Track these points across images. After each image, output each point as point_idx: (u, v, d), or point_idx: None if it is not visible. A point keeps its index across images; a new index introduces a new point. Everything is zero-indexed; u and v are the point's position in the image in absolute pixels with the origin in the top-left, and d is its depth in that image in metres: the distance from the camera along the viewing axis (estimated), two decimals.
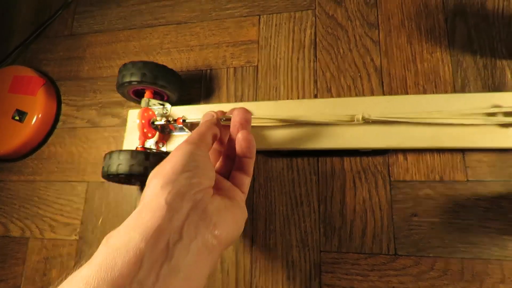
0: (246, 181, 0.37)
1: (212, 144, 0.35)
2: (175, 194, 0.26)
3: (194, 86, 0.57)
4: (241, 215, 0.32)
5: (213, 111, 0.41)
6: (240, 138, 0.36)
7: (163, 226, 0.24)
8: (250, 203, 0.48)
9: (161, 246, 0.24)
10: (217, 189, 0.33)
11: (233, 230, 0.30)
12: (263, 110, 0.48)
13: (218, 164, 0.39)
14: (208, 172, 0.30)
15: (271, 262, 0.46)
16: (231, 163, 0.38)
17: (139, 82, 0.47)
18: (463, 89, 0.47)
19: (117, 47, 0.64)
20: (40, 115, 0.59)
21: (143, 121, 0.48)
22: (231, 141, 0.37)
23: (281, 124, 0.47)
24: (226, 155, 0.39)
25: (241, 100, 0.54)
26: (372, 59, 0.51)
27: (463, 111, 0.43)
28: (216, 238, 0.27)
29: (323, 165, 0.48)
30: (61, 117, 0.62)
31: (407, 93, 0.48)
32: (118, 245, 0.23)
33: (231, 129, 0.37)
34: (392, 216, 0.44)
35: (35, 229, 0.56)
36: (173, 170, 0.28)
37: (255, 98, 0.53)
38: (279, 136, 0.47)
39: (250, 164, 0.37)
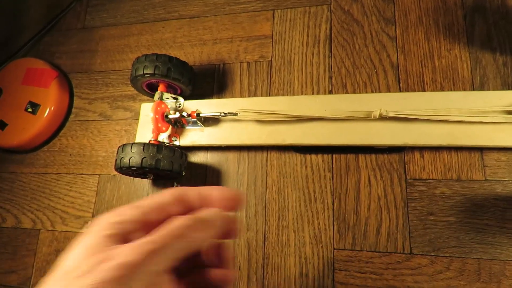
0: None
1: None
2: None
3: (207, 81, 0.56)
4: None
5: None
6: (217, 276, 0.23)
7: None
8: (263, 199, 0.48)
9: None
10: None
11: None
12: (277, 105, 0.48)
13: None
14: None
15: (283, 259, 0.45)
16: None
17: (152, 75, 0.47)
18: (481, 87, 0.46)
19: (129, 40, 0.64)
20: (52, 108, 0.59)
21: (157, 116, 0.47)
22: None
23: (295, 119, 0.46)
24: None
25: (255, 95, 0.53)
26: (388, 55, 0.50)
27: (482, 108, 0.42)
28: None
29: (337, 161, 0.47)
30: (73, 110, 0.62)
31: (424, 90, 0.48)
32: None
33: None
34: (408, 215, 0.43)
35: (47, 221, 0.56)
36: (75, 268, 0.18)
37: (269, 93, 0.53)
38: (293, 132, 0.46)
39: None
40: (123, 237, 0.19)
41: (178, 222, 0.19)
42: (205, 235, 0.20)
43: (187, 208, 0.21)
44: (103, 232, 0.19)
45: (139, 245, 0.18)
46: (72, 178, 0.57)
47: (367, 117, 0.43)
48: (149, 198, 0.21)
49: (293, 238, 0.46)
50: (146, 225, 0.20)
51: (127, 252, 0.18)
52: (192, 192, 0.22)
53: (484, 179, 0.43)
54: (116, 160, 0.44)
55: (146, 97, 0.58)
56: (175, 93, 0.52)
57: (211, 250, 0.23)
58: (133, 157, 0.42)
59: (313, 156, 0.48)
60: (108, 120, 0.59)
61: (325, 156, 0.48)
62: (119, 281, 0.17)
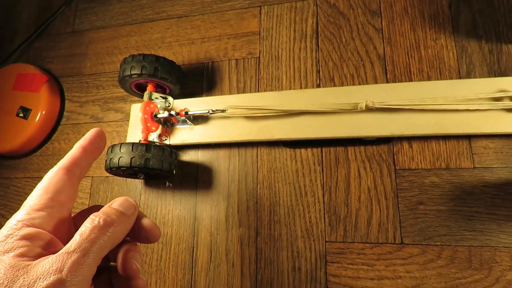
0: None
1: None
2: None
3: (196, 79, 0.57)
4: None
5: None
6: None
7: None
8: (254, 194, 0.48)
9: None
10: None
11: None
12: (266, 101, 0.48)
13: None
14: None
15: (276, 253, 0.45)
16: None
17: (139, 75, 0.47)
18: (468, 75, 0.46)
19: (118, 42, 0.64)
20: (44, 112, 0.59)
21: (145, 116, 0.48)
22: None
23: (283, 114, 0.46)
24: None
25: (244, 91, 0.53)
26: (375, 47, 0.50)
27: (468, 96, 0.42)
28: None
29: (327, 155, 0.48)
30: (65, 114, 0.62)
31: (411, 81, 0.48)
32: None
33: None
34: (398, 205, 0.44)
35: None
36: None
37: (257, 89, 0.53)
38: (282, 127, 0.47)
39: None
40: (34, 251, 0.19)
41: (92, 224, 0.20)
42: (123, 228, 0.21)
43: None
44: (12, 253, 0.18)
45: (60, 258, 0.18)
46: None
47: (354, 109, 0.44)
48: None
49: (285, 232, 0.46)
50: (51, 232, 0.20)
51: (54, 268, 0.18)
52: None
53: (472, 166, 0.43)
54: (106, 161, 0.44)
55: (136, 98, 0.58)
56: (164, 92, 0.52)
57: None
58: (122, 157, 0.42)
59: (303, 150, 0.49)
60: (99, 122, 0.59)
61: (314, 150, 0.48)
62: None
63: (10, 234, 0.19)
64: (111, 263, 0.25)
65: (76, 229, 0.21)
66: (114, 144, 0.44)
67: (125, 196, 0.23)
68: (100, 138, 0.24)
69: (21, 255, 0.18)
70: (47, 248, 0.20)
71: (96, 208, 0.23)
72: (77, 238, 0.19)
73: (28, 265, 0.18)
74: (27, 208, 0.20)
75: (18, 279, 0.17)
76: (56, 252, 0.19)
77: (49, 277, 0.18)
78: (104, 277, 0.24)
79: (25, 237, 0.19)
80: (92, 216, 0.20)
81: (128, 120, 0.57)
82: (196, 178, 0.51)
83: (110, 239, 0.20)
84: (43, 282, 0.17)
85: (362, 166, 0.46)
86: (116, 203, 0.22)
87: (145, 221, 0.23)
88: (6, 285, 0.17)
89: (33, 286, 0.17)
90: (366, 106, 0.42)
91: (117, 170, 0.43)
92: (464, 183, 0.43)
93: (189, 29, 0.60)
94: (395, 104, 0.42)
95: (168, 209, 0.51)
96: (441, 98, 0.42)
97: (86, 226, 0.20)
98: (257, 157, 0.50)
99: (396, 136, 0.45)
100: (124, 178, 0.54)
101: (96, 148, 0.24)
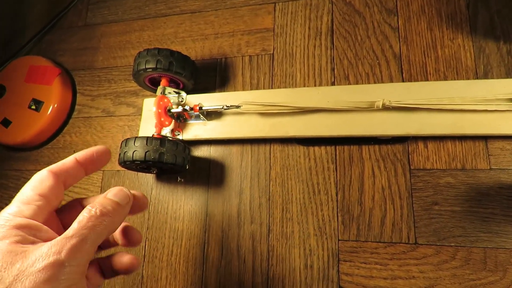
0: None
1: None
2: None
3: (209, 75, 0.56)
4: None
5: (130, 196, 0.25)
6: (127, 261, 0.26)
7: None
8: (267, 191, 0.48)
9: None
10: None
11: None
12: (280, 97, 0.48)
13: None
14: None
15: (288, 251, 0.45)
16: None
17: (154, 69, 0.47)
18: (485, 76, 0.46)
19: (131, 37, 0.64)
20: (56, 105, 0.59)
21: (159, 110, 0.47)
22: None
23: (298, 111, 0.46)
24: None
25: (257, 88, 0.53)
26: (391, 46, 0.50)
27: (486, 97, 0.41)
28: None
29: (340, 153, 0.47)
30: (76, 107, 0.62)
31: (427, 80, 0.47)
32: None
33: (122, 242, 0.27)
34: (412, 205, 0.43)
35: None
36: None
37: (271, 86, 0.53)
38: (296, 124, 0.46)
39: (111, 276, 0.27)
40: (29, 239, 0.19)
41: (89, 214, 0.21)
42: (118, 218, 0.22)
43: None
44: (7, 241, 0.19)
45: (59, 242, 0.19)
46: None
47: (370, 108, 0.43)
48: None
49: (298, 230, 0.46)
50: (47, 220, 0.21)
51: (53, 251, 0.18)
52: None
53: (489, 168, 0.43)
54: (119, 154, 0.44)
55: (148, 93, 0.58)
56: (177, 87, 0.52)
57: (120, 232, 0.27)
58: (137, 151, 0.42)
59: (316, 148, 0.48)
60: (111, 116, 0.59)
61: (328, 147, 0.48)
62: (50, 280, 0.18)
63: (3, 225, 0.20)
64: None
65: (63, 225, 0.23)
66: (128, 138, 0.44)
67: (120, 186, 0.24)
68: (98, 155, 0.25)
69: (17, 242, 0.19)
70: (41, 237, 0.20)
71: (77, 201, 0.26)
72: (75, 225, 0.20)
73: (26, 250, 0.18)
74: (16, 202, 0.21)
75: (17, 262, 0.18)
76: (50, 241, 0.19)
77: (48, 258, 0.18)
78: (94, 264, 0.25)
79: (18, 227, 0.20)
80: (89, 207, 0.21)
81: (140, 115, 0.57)
82: (208, 174, 0.51)
83: (106, 227, 0.21)
84: (42, 262, 0.18)
85: (376, 165, 0.46)
86: (111, 193, 0.23)
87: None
88: (6, 268, 0.18)
89: (32, 267, 0.18)
90: (383, 104, 0.42)
91: (130, 164, 0.43)
92: (480, 184, 0.42)
93: (202, 24, 0.60)
94: (412, 103, 0.42)
95: (179, 204, 0.51)
96: (458, 98, 0.42)
97: (84, 215, 0.20)
98: (270, 154, 0.50)
99: (412, 136, 0.44)
100: (136, 172, 0.54)
101: (91, 162, 0.25)
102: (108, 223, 0.21)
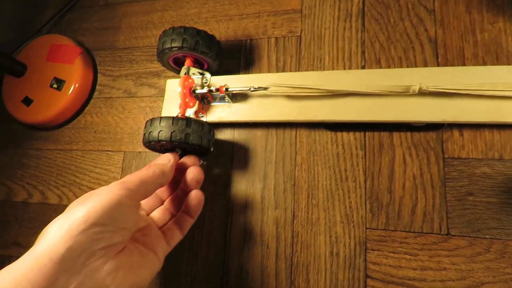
0: (177, 236, 0.37)
1: (155, 191, 0.34)
2: (74, 250, 0.24)
3: (233, 57, 0.55)
4: (147, 275, 0.30)
5: (171, 155, 0.39)
6: (192, 196, 0.37)
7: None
8: (292, 177, 0.47)
9: None
10: (142, 234, 0.33)
11: None
12: (308, 80, 0.46)
13: (161, 208, 0.40)
14: (128, 225, 0.28)
15: (313, 237, 0.44)
16: (176, 207, 0.39)
17: (179, 48, 0.46)
18: None
19: (153, 17, 0.62)
20: (77, 84, 0.58)
21: (184, 91, 0.46)
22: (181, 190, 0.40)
23: (327, 94, 0.44)
24: (174, 198, 0.40)
25: (283, 71, 0.51)
26: (426, 29, 0.48)
27: None
28: None
29: (370, 139, 0.46)
30: (97, 87, 0.61)
31: (464, 65, 0.45)
32: None
33: (183, 184, 0.39)
34: (445, 195, 0.42)
35: (73, 197, 0.56)
36: (86, 218, 0.25)
37: (298, 69, 0.51)
38: (325, 108, 0.45)
39: (188, 224, 0.38)
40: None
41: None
42: (163, 180, 0.35)
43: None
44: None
45: (131, 179, 0.32)
46: (97, 155, 0.57)
47: (405, 92, 0.41)
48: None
49: (323, 216, 0.45)
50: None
51: (128, 178, 0.32)
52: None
53: None
54: (144, 134, 0.43)
55: (171, 74, 0.57)
56: (201, 68, 0.51)
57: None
58: (162, 131, 0.41)
59: (345, 133, 0.47)
60: (132, 97, 0.58)
61: (357, 133, 0.46)
62: (128, 197, 0.29)
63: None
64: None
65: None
66: (154, 118, 0.43)
67: (166, 157, 0.39)
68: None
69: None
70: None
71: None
72: (135, 179, 0.32)
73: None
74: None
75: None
76: None
77: (126, 184, 0.31)
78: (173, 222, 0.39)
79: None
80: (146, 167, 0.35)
81: (162, 96, 0.56)
82: (231, 158, 0.50)
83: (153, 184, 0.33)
84: (122, 185, 0.30)
85: (408, 153, 0.44)
86: (159, 160, 0.38)
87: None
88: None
89: (113, 184, 0.30)
90: (420, 89, 0.40)
91: (155, 144, 0.42)
92: None
93: (226, 5, 0.58)
94: (451, 89, 0.40)
95: (201, 187, 0.50)
96: (501, 84, 0.39)
97: (146, 170, 0.34)
98: (296, 139, 0.48)
99: (447, 123, 0.43)
100: (159, 154, 0.53)
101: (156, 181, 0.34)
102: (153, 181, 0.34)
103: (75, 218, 0.25)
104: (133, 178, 0.31)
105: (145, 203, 0.39)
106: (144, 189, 0.31)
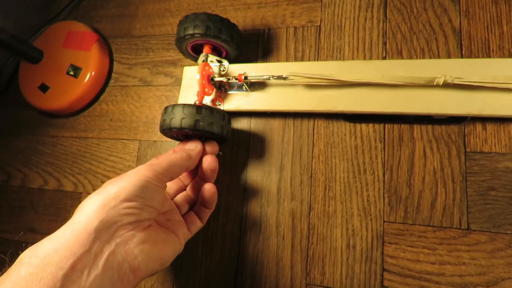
0: (197, 224, 0.39)
1: (180, 174, 0.37)
2: (106, 222, 0.27)
3: (251, 46, 0.54)
4: (170, 252, 0.33)
5: (200, 142, 0.41)
6: (206, 189, 0.39)
7: (83, 255, 0.25)
8: (309, 168, 0.47)
9: (76, 274, 0.24)
10: (165, 219, 0.35)
11: (154, 267, 0.30)
12: (328, 70, 0.45)
13: (183, 193, 0.42)
14: (155, 204, 0.31)
15: (329, 230, 0.44)
16: (196, 194, 0.42)
17: (202, 35, 0.45)
18: None
19: (170, 4, 0.62)
20: (93, 72, 0.58)
21: (203, 79, 0.46)
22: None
23: (348, 85, 0.44)
24: (194, 184, 0.42)
25: (302, 61, 0.51)
26: (450, 20, 0.46)
27: None
28: (134, 273, 0.28)
29: (389, 132, 0.45)
30: (113, 75, 0.61)
31: (489, 58, 0.44)
32: (32, 270, 0.23)
33: (200, 171, 0.41)
34: (466, 189, 0.41)
35: (88, 185, 0.57)
36: (117, 195, 0.28)
37: (317, 59, 0.50)
38: (345, 98, 0.44)
39: (206, 214, 0.40)
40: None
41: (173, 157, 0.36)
42: (189, 164, 0.38)
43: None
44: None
45: (158, 162, 0.34)
46: (113, 143, 0.57)
47: (428, 84, 0.41)
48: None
49: (340, 209, 0.44)
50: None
51: (156, 161, 0.34)
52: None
53: None
54: (164, 120, 0.42)
55: (187, 63, 0.56)
56: (219, 56, 0.50)
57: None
58: (185, 118, 0.40)
59: (364, 125, 0.46)
60: (148, 85, 0.58)
61: (376, 125, 0.46)
62: (155, 178, 0.32)
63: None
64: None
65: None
66: (175, 104, 0.42)
67: (195, 143, 0.41)
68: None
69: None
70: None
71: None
72: (163, 162, 0.34)
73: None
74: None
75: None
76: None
77: (155, 164, 0.34)
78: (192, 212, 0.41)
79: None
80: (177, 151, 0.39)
81: (178, 85, 0.55)
82: (247, 148, 0.50)
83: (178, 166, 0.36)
84: (151, 165, 0.33)
85: (428, 146, 0.43)
86: (188, 146, 0.41)
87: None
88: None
89: (142, 165, 0.33)
90: (445, 81, 0.39)
91: (177, 131, 0.42)
92: None
93: None
94: (476, 81, 0.39)
95: (217, 177, 0.50)
96: None
97: (174, 153, 0.37)
98: (313, 130, 0.48)
99: (470, 116, 0.42)
100: (173, 142, 0.53)
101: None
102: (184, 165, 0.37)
103: (107, 195, 0.28)
104: (160, 161, 0.33)
105: (169, 186, 0.41)
106: (171, 172, 0.34)
